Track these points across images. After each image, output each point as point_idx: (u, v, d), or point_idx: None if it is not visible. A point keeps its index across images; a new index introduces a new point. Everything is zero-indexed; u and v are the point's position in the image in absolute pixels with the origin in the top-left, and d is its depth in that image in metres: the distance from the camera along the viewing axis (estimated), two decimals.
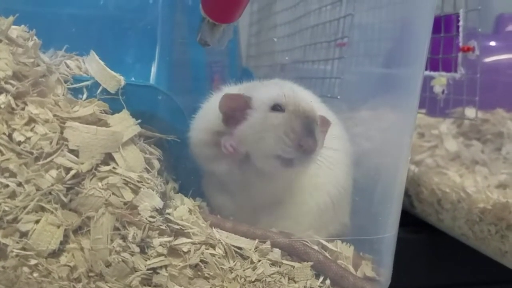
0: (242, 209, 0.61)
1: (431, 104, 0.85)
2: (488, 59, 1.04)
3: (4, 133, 0.49)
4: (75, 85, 0.56)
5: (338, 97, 0.69)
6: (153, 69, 0.61)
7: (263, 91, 0.58)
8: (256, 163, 0.56)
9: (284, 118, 0.54)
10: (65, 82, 0.55)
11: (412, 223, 0.87)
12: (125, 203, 0.51)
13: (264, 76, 0.90)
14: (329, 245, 0.59)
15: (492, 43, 1.08)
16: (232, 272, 0.53)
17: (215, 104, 0.59)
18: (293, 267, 0.55)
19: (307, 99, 0.57)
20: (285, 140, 0.53)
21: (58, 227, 0.50)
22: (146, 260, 0.51)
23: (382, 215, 0.59)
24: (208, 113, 0.61)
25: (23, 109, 0.51)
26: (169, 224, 0.53)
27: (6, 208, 0.48)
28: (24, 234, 0.49)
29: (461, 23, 0.77)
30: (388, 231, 0.58)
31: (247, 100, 0.57)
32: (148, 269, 0.51)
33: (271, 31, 1.03)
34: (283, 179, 0.60)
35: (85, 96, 0.56)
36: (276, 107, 0.55)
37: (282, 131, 0.53)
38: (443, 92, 0.81)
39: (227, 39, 0.57)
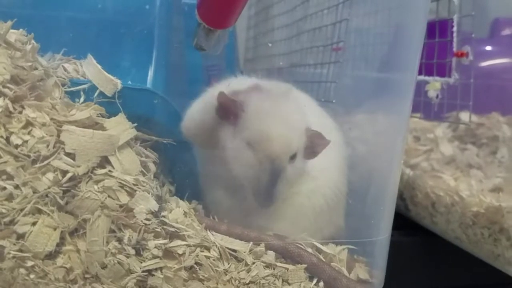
0: (238, 209, 0.61)
1: (425, 108, 0.86)
2: (483, 63, 1.04)
3: (1, 136, 0.50)
4: (72, 88, 0.56)
5: (334, 101, 0.70)
6: (150, 73, 0.62)
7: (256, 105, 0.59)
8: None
9: (253, 161, 0.56)
10: (63, 85, 0.56)
11: (407, 226, 0.87)
12: (120, 206, 0.52)
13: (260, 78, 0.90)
14: (323, 248, 0.59)
15: (488, 48, 1.08)
16: (226, 274, 0.54)
17: (209, 97, 0.60)
18: (287, 269, 0.55)
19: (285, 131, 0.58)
20: (253, 181, 0.56)
21: (55, 229, 0.50)
22: (141, 262, 0.52)
23: (375, 218, 0.59)
24: (205, 107, 0.62)
25: (20, 112, 0.51)
26: (164, 227, 0.53)
27: (3, 210, 0.49)
28: (21, 236, 0.50)
29: (455, 29, 0.78)
30: (382, 233, 0.59)
31: (241, 107, 0.58)
32: (143, 271, 0.51)
33: (268, 35, 1.03)
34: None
35: (82, 99, 0.56)
36: (252, 143, 0.57)
37: (251, 177, 0.56)
38: (437, 96, 0.82)
39: (222, 44, 0.57)
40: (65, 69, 0.59)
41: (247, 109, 0.58)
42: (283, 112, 0.59)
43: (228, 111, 0.58)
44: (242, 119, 0.58)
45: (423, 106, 0.87)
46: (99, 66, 0.57)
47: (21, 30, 0.56)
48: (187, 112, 0.63)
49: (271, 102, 0.59)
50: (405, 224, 0.88)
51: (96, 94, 0.56)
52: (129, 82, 0.58)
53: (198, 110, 0.63)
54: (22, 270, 0.50)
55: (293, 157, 0.57)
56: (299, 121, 0.60)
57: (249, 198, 0.57)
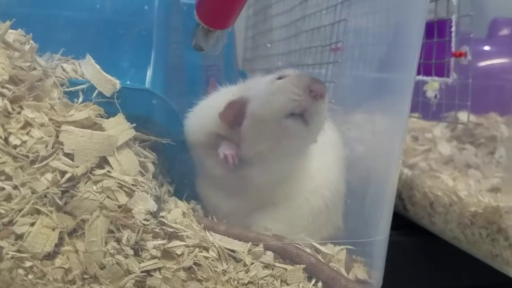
0: (236, 210, 0.61)
1: (424, 108, 0.86)
2: (482, 63, 1.04)
3: (0, 137, 0.50)
4: (71, 89, 0.56)
5: (332, 100, 0.70)
6: (149, 73, 0.62)
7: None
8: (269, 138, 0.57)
9: (288, 79, 0.54)
10: (61, 85, 0.56)
11: (405, 226, 0.88)
12: (119, 206, 0.52)
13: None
14: (322, 248, 0.59)
15: (486, 48, 1.08)
16: (225, 275, 0.54)
17: (211, 104, 0.60)
18: (286, 269, 0.55)
19: None
20: (294, 90, 0.53)
21: (53, 229, 0.50)
22: (140, 263, 0.52)
23: (374, 218, 0.59)
24: (205, 114, 0.62)
25: (19, 113, 0.51)
26: (163, 227, 0.53)
27: (2, 211, 0.49)
28: (19, 237, 0.49)
29: (453, 29, 0.78)
30: (380, 234, 0.59)
31: (244, 99, 0.58)
32: (142, 272, 0.51)
33: (266, 35, 1.03)
34: (280, 171, 0.60)
35: (81, 99, 0.56)
36: (279, 78, 0.55)
37: (290, 85, 0.53)
38: (435, 96, 0.82)
39: (221, 45, 0.58)
40: (63, 69, 0.58)
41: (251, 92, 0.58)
42: None
43: (234, 116, 0.58)
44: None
45: (421, 106, 0.87)
46: (98, 66, 0.57)
47: (19, 30, 0.57)
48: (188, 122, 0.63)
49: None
50: (403, 224, 0.88)
51: (94, 94, 0.56)
52: (128, 82, 0.58)
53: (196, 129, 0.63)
54: (20, 271, 0.50)
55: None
56: None
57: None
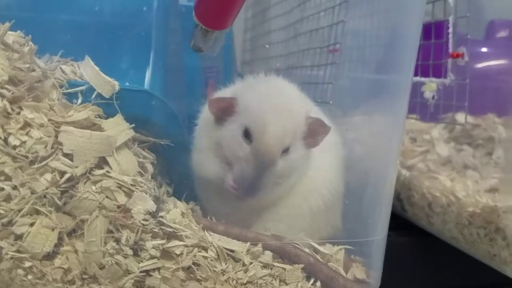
0: (235, 212, 0.61)
1: (422, 109, 0.87)
2: (479, 65, 1.05)
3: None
4: (70, 90, 0.56)
5: (331, 102, 0.70)
6: (147, 75, 0.62)
7: (249, 97, 0.59)
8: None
9: (244, 154, 0.56)
10: (60, 87, 0.56)
11: (404, 227, 0.88)
12: (118, 206, 0.52)
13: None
14: (320, 248, 0.59)
15: (484, 49, 1.08)
16: (224, 275, 0.54)
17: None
18: (284, 269, 0.56)
19: (280, 122, 0.58)
20: (231, 181, 0.57)
21: (53, 229, 0.51)
22: (139, 263, 0.52)
23: (372, 218, 0.60)
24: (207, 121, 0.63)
25: (18, 113, 0.51)
26: (162, 227, 0.53)
27: (1, 211, 0.49)
28: (19, 237, 0.50)
29: (450, 30, 0.79)
30: (378, 233, 0.59)
31: (233, 102, 0.59)
32: (141, 272, 0.52)
33: (265, 37, 1.04)
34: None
35: (80, 100, 0.56)
36: (246, 134, 0.57)
37: (236, 171, 0.57)
38: (433, 97, 0.82)
39: (219, 45, 0.58)
40: (62, 71, 0.59)
41: (241, 101, 0.58)
42: (280, 102, 0.59)
43: (223, 111, 0.58)
44: (238, 109, 0.58)
45: (419, 107, 0.87)
46: (97, 68, 0.57)
47: (18, 32, 0.57)
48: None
49: (267, 91, 0.59)
50: (402, 224, 0.89)
51: (93, 96, 0.56)
52: (127, 84, 0.58)
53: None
54: (20, 271, 0.50)
55: (285, 151, 0.57)
56: (299, 110, 0.59)
57: (229, 186, 0.57)
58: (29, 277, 0.50)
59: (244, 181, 0.56)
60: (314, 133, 0.59)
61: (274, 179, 0.57)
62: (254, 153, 0.56)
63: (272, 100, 0.59)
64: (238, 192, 0.57)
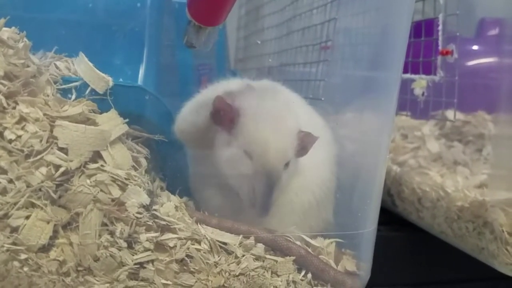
0: (228, 207, 0.62)
1: (412, 106, 0.88)
2: (470, 63, 1.06)
3: None
4: (64, 86, 0.57)
5: (322, 98, 0.71)
6: (141, 71, 0.63)
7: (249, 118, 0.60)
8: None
9: (249, 170, 0.57)
10: (55, 82, 0.56)
11: (394, 222, 0.89)
12: (112, 200, 0.52)
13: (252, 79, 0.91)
14: (312, 241, 0.60)
15: (475, 47, 1.10)
16: (217, 267, 0.55)
17: (205, 99, 0.61)
18: (276, 261, 0.56)
19: (280, 141, 0.59)
20: (245, 196, 0.58)
21: (48, 222, 0.51)
22: (133, 255, 0.53)
23: (362, 211, 0.61)
24: (198, 109, 0.63)
25: (14, 108, 0.52)
26: (156, 220, 0.54)
27: None
28: (14, 230, 0.50)
29: (440, 27, 0.80)
30: (368, 226, 0.60)
31: (236, 114, 0.59)
32: (135, 264, 0.53)
33: (258, 35, 1.05)
34: None
35: (74, 96, 0.57)
36: (249, 155, 0.58)
37: (246, 185, 0.57)
38: (423, 94, 0.83)
39: (212, 41, 0.58)
40: (57, 67, 0.59)
41: (243, 115, 0.59)
42: (279, 119, 0.60)
43: (224, 116, 0.59)
44: (239, 126, 0.59)
45: (409, 104, 0.88)
46: (91, 64, 0.57)
47: (13, 28, 0.57)
48: (179, 114, 0.64)
49: (266, 108, 0.60)
50: (392, 219, 0.90)
51: (87, 92, 0.56)
52: (121, 80, 0.59)
53: (191, 111, 0.64)
54: (15, 263, 0.51)
55: (287, 164, 0.59)
56: (292, 127, 0.61)
57: (244, 206, 0.58)
58: (25, 269, 0.51)
59: (257, 200, 0.57)
60: (304, 145, 0.61)
61: (280, 191, 0.59)
62: (261, 172, 0.57)
63: (270, 119, 0.60)
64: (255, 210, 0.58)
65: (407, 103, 0.88)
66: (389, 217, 0.90)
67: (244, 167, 0.58)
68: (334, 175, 0.66)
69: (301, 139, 0.60)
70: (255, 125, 0.59)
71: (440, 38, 0.80)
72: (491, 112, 0.99)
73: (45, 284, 0.51)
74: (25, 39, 0.57)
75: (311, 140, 0.61)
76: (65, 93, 0.57)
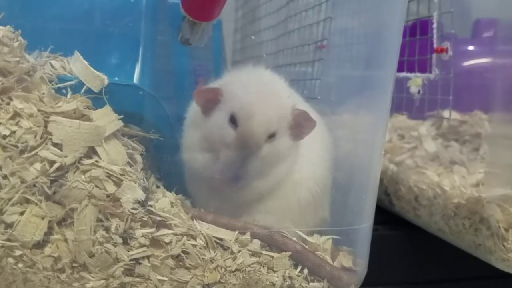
0: (224, 205, 0.62)
1: (408, 105, 0.88)
2: (466, 63, 1.06)
3: None
4: (59, 85, 0.57)
5: (318, 97, 0.72)
6: (137, 69, 0.63)
7: (235, 85, 0.60)
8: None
9: (230, 140, 0.57)
10: (50, 81, 0.57)
11: (391, 221, 0.89)
12: (107, 195, 0.52)
13: None
14: (308, 238, 0.60)
15: (470, 47, 1.10)
16: (213, 262, 0.55)
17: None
18: (272, 257, 0.56)
19: (266, 107, 0.59)
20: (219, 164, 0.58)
21: (43, 218, 0.51)
22: (128, 251, 0.53)
23: (357, 207, 0.61)
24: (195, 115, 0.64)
25: (8, 103, 0.52)
26: (151, 216, 0.54)
27: None
28: (9, 226, 0.50)
29: (434, 25, 0.80)
30: (364, 222, 0.60)
31: (219, 91, 0.60)
32: (130, 260, 0.52)
33: (255, 36, 1.05)
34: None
35: (69, 95, 0.57)
36: (232, 120, 0.58)
37: (224, 153, 0.57)
38: (418, 92, 0.84)
39: (206, 37, 0.59)
40: (52, 66, 0.59)
41: (227, 90, 0.59)
42: (270, 89, 0.61)
43: (209, 102, 0.59)
44: (224, 98, 0.59)
45: (405, 103, 0.89)
46: (86, 63, 0.58)
47: (8, 26, 0.57)
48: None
49: (253, 79, 0.60)
50: (389, 218, 0.90)
51: (83, 90, 0.57)
52: (116, 78, 0.59)
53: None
54: (10, 260, 0.50)
55: (271, 136, 0.58)
56: (284, 99, 0.61)
57: (216, 174, 0.58)
58: (20, 265, 0.51)
59: (230, 167, 0.57)
60: (299, 125, 0.60)
61: (259, 166, 0.58)
62: (239, 138, 0.56)
63: (258, 87, 0.60)
64: (224, 178, 0.57)
65: (403, 101, 0.88)
66: (387, 216, 0.90)
67: (226, 132, 0.57)
68: (330, 171, 0.66)
69: (295, 116, 0.60)
70: (245, 89, 0.59)
71: (435, 36, 0.80)
72: (487, 112, 0.99)
73: (40, 280, 0.51)
74: (20, 37, 0.57)
75: (307, 121, 0.60)
76: (60, 92, 0.57)
